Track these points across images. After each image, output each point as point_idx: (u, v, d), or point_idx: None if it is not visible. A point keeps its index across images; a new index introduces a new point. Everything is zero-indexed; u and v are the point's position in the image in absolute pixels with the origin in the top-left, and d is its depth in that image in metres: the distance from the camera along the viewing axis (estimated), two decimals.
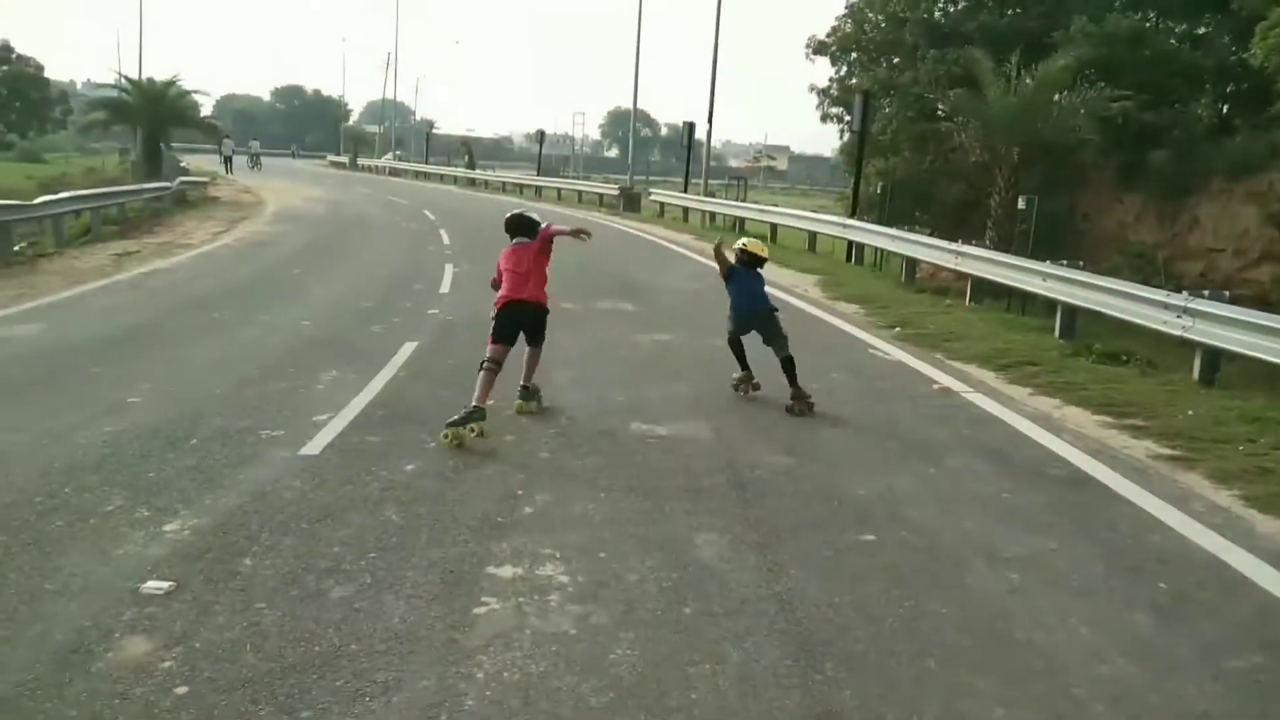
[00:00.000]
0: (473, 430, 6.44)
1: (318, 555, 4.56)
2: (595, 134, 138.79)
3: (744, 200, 33.25)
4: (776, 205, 28.48)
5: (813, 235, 20.91)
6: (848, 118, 37.89)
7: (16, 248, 16.17)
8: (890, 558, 4.86)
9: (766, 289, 8.67)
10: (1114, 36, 20.60)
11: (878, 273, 17.97)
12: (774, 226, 22.84)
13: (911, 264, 16.06)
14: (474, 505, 5.30)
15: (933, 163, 25.95)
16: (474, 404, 6.55)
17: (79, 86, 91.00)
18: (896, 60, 36.31)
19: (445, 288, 13.51)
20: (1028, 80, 16.14)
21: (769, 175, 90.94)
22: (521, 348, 7.39)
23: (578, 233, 7.73)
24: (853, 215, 20.60)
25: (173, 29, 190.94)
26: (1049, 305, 12.64)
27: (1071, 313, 11.41)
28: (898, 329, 11.57)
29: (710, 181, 37.15)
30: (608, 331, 10.67)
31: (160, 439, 6.19)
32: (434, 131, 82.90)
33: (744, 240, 9.11)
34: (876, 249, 18.19)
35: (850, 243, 19.29)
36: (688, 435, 6.84)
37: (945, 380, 8.93)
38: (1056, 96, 16.70)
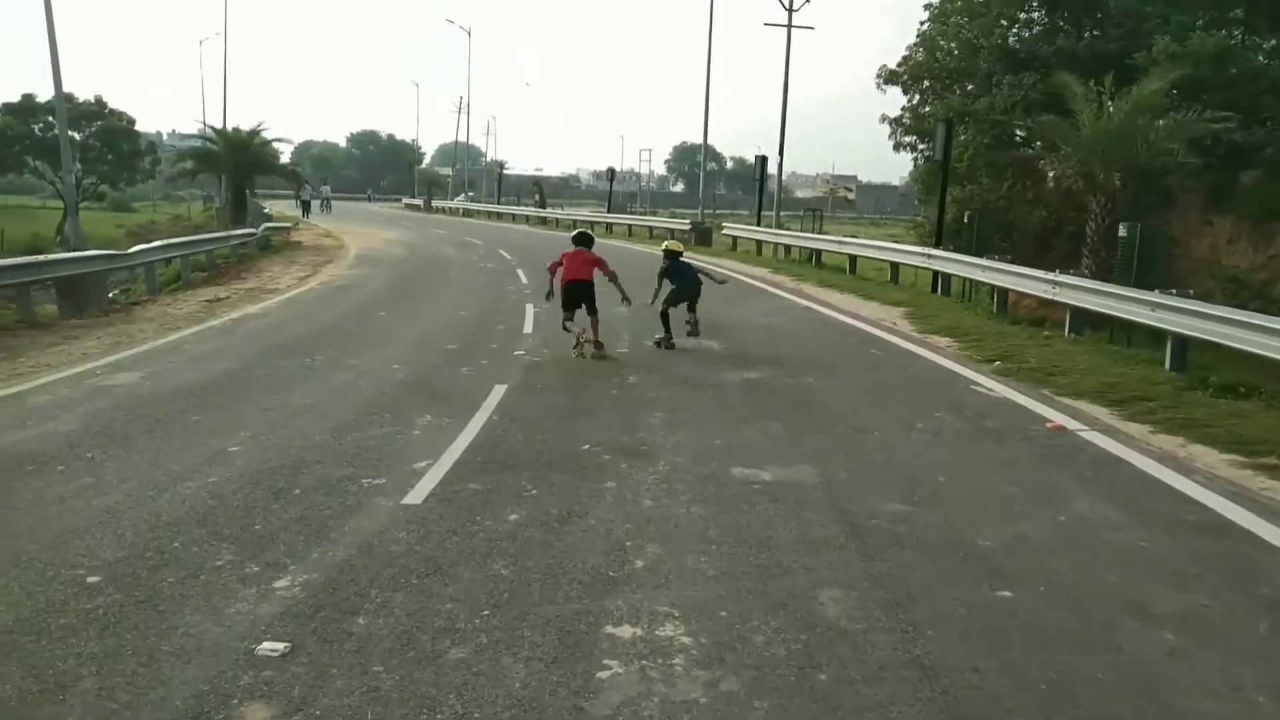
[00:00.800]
0: (581, 353, 10.99)
1: (431, 613, 4.42)
2: (660, 169, 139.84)
3: (820, 232, 32.90)
4: (856, 236, 28.04)
5: (895, 266, 20.48)
6: (921, 146, 37.59)
7: (111, 295, 16.71)
8: (1032, 616, 4.53)
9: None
10: (1200, 55, 19.89)
11: (967, 304, 17.48)
12: (853, 258, 22.46)
13: (1003, 294, 15.55)
14: (583, 558, 5.12)
15: (1011, 189, 25.35)
16: (577, 340, 11.08)
17: (165, 137, 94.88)
18: (970, 87, 35.81)
19: (528, 328, 13.49)
20: (1123, 104, 15.59)
21: (837, 205, 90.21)
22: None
23: (614, 278, 11.35)
24: (937, 245, 20.12)
25: (252, 78, 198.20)
26: (1153, 335, 12.08)
27: (1183, 344, 10.86)
28: (997, 363, 11.15)
29: (780, 213, 36.91)
30: (694, 370, 10.47)
31: (264, 489, 6.16)
32: (505, 172, 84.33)
33: (666, 243, 13.14)
34: (964, 279, 17.70)
35: (935, 273, 18.83)
36: (793, 481, 6.57)
37: (1058, 418, 8.51)
38: (1153, 120, 16.10)
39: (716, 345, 12.18)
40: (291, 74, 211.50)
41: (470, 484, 6.36)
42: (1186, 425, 8.30)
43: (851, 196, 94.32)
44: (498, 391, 9.16)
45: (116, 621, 4.27)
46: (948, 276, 18.36)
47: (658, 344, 11.61)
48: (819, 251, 25.03)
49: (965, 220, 20.10)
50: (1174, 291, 11.25)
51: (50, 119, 50.44)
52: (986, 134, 31.54)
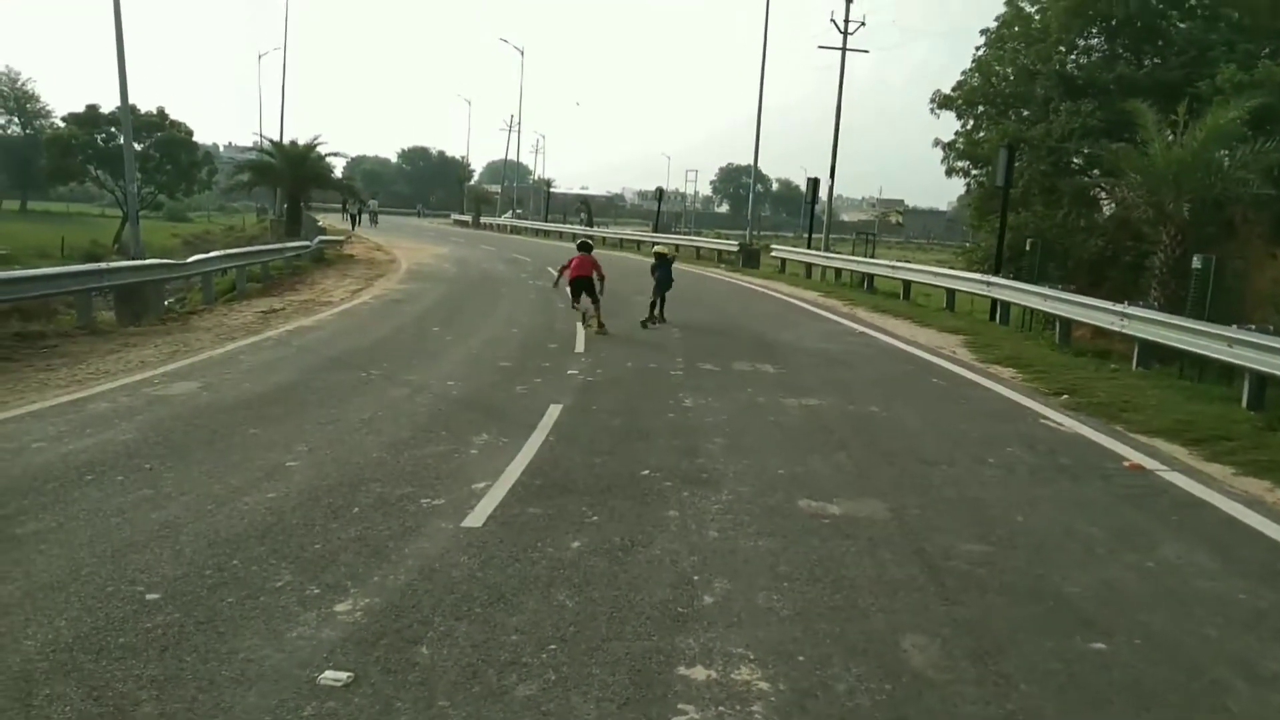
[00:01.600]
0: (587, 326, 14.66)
1: (496, 645, 4.26)
2: (706, 189, 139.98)
3: (873, 255, 32.54)
4: (908, 261, 27.64)
5: (951, 293, 20.10)
6: (975, 171, 37.11)
7: (168, 303, 16.91)
8: (1131, 672, 4.25)
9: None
10: (1270, 84, 19.33)
11: (1028, 333, 17.07)
12: (907, 283, 22.10)
13: (1065, 324, 15.13)
14: (650, 591, 4.93)
15: (1067, 217, 24.85)
16: (583, 317, 14.81)
17: (222, 149, 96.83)
18: (1026, 113, 35.33)
19: (580, 347, 13.37)
20: (1196, 132, 15.15)
21: (883, 229, 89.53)
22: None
23: (601, 279, 15.03)
24: (996, 272, 19.72)
25: (309, 93, 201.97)
26: (1226, 370, 11.65)
27: (1261, 381, 10.43)
28: (1065, 396, 10.79)
29: (829, 236, 36.60)
30: (752, 395, 10.25)
31: (322, 506, 6.06)
32: (552, 190, 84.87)
33: (656, 247, 17.16)
34: (1023, 308, 17.30)
35: (994, 301, 18.43)
36: (864, 515, 6.33)
37: (1134, 456, 8.16)
38: (1227, 149, 15.62)
39: (772, 369, 11.95)
40: (347, 89, 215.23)
41: (530, 507, 6.21)
42: (1271, 468, 7.91)
43: (902, 221, 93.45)
44: (553, 411, 9.03)
45: (176, 643, 4.17)
46: (1007, 305, 17.95)
47: (643, 324, 15.56)
48: (871, 276, 24.66)
49: (1027, 248, 19.66)
50: (1253, 327, 10.81)
51: (113, 129, 51.73)
52: (1043, 160, 31.05)
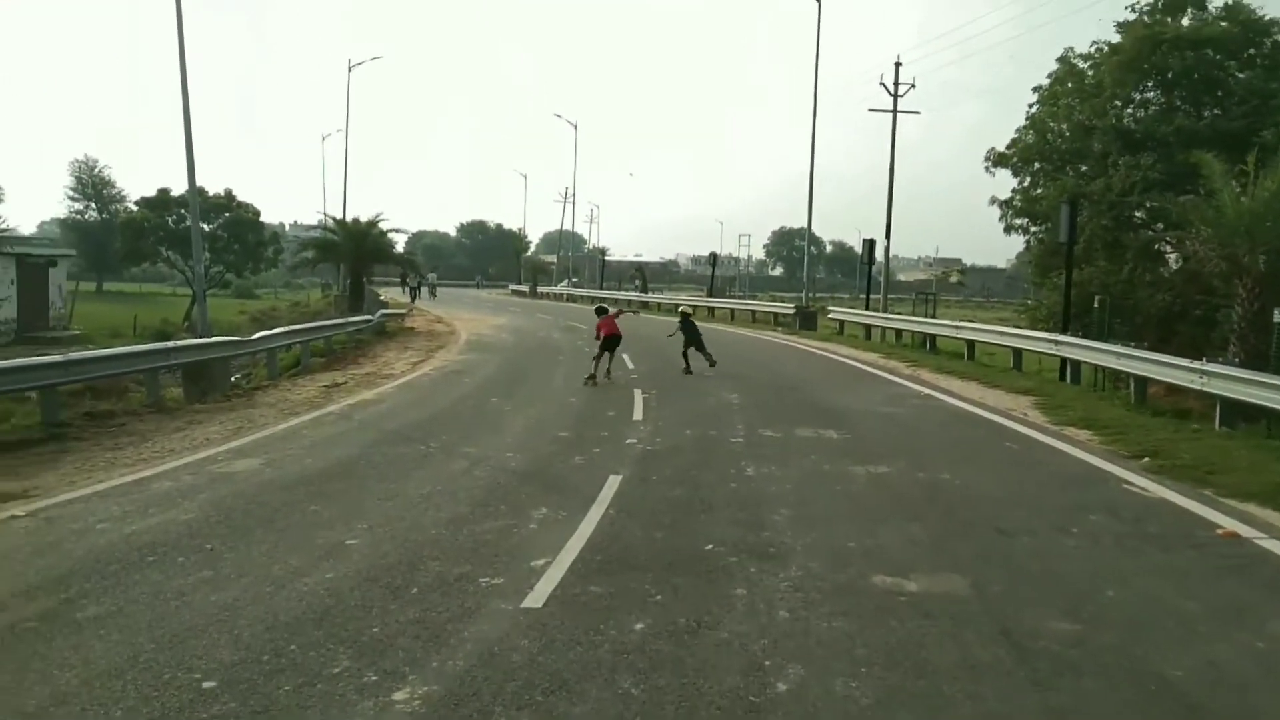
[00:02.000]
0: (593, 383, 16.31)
1: None
2: (759, 253, 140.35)
3: (933, 315, 32.06)
4: (972, 320, 27.14)
5: (1017, 352, 19.59)
6: (1034, 228, 36.60)
7: (234, 379, 17.22)
8: None
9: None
10: None
11: (1101, 392, 16.50)
12: (971, 343, 21.63)
13: (1141, 383, 14.59)
14: (719, 677, 4.68)
15: (1132, 272, 24.27)
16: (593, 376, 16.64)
17: (287, 228, 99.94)
18: (1085, 168, 34.88)
19: (638, 414, 13.22)
20: (1268, 182, 14.68)
21: (941, 288, 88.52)
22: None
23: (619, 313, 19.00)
24: (1064, 330, 19.21)
25: (368, 170, 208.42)
26: None
27: None
28: (1147, 459, 10.30)
29: (878, 297, 36.25)
30: (817, 463, 9.96)
31: (381, 587, 5.94)
32: (606, 259, 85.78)
33: (681, 307, 20.52)
34: (1095, 366, 16.76)
35: (1063, 360, 17.90)
36: (943, 592, 6.01)
37: (1228, 523, 7.70)
38: None
39: (836, 435, 11.65)
40: (407, 167, 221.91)
41: (591, 586, 6.02)
42: None
43: (964, 279, 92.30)
44: (612, 482, 8.86)
45: None
46: (1077, 364, 17.41)
47: (684, 371, 18.41)
48: (933, 336, 24.22)
49: (1096, 305, 19.14)
50: None
51: (182, 211, 53.65)
52: (1104, 215, 30.50)
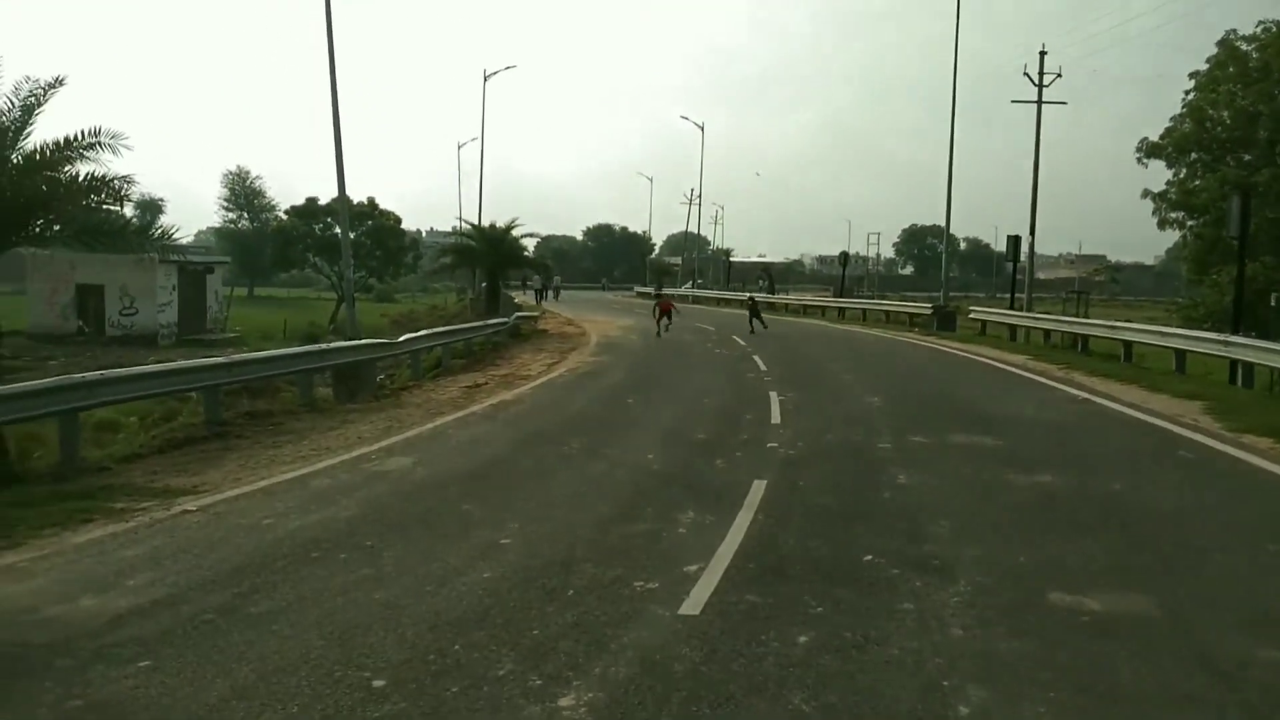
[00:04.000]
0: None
1: None
2: (888, 251, 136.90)
3: (1085, 315, 30.46)
4: (1129, 320, 25.64)
5: (1180, 354, 18.34)
6: (1191, 222, 34.36)
7: (379, 379, 17.81)
8: None
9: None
10: None
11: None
12: (1127, 344, 20.39)
13: None
14: (894, 697, 4.44)
15: None
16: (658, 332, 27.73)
17: (424, 234, 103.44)
18: (1248, 157, 32.53)
19: (775, 418, 12.95)
20: None
21: (1085, 286, 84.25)
22: None
23: (675, 312, 29.80)
24: (1235, 330, 17.89)
25: (499, 177, 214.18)
26: None
27: None
28: None
29: (1022, 296, 34.68)
30: (974, 471, 9.50)
31: (537, 588, 5.93)
32: (731, 259, 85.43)
33: (751, 295, 38.72)
34: (1271, 369, 15.51)
35: (1233, 362, 16.65)
36: (1129, 613, 5.57)
37: None
38: None
39: (991, 441, 11.10)
40: (536, 173, 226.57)
41: (748, 595, 5.84)
42: None
43: (1114, 277, 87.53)
44: (757, 488, 8.65)
45: None
46: (1250, 365, 16.15)
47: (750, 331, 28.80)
48: (1085, 337, 22.96)
49: (1274, 303, 17.76)
50: None
51: (329, 219, 56.24)
52: (1272, 207, 28.34)
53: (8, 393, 9.62)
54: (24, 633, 5.18)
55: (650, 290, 74.54)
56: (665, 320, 28.35)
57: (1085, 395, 15.49)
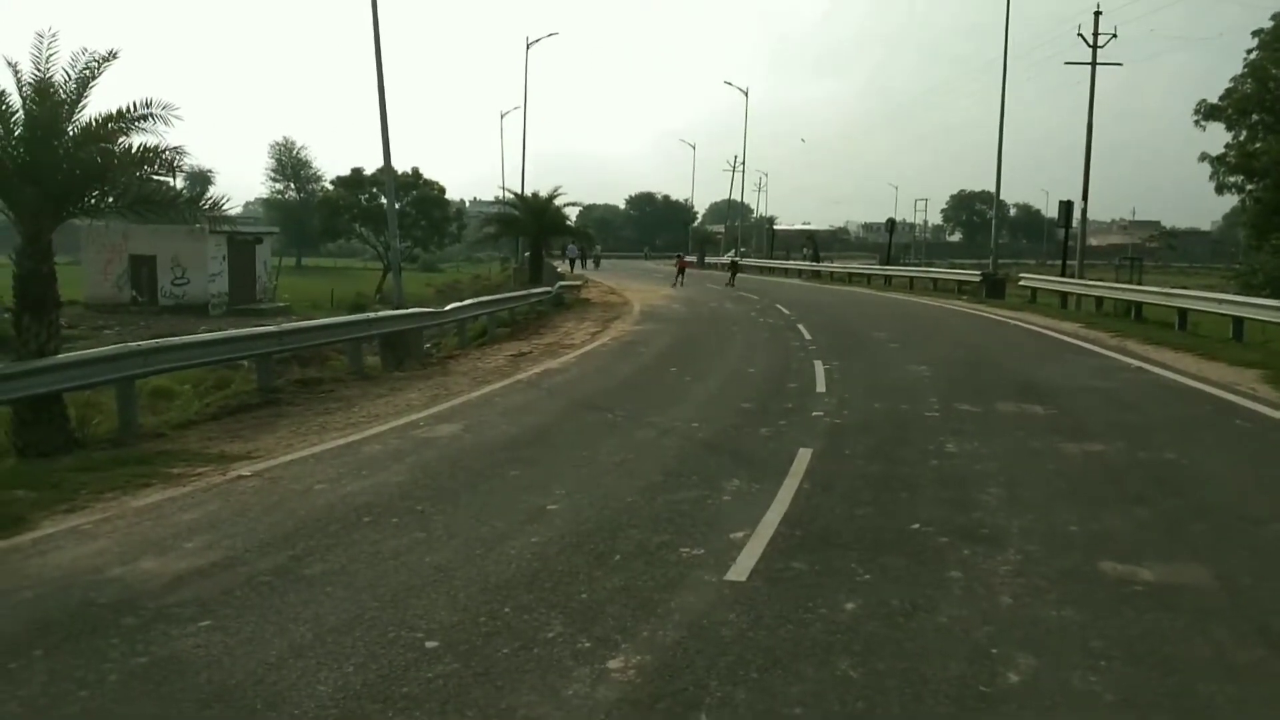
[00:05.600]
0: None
1: (778, 718, 3.92)
2: (935, 218, 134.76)
3: (1139, 282, 29.79)
4: (1184, 288, 25.03)
5: (1239, 321, 17.87)
6: (1250, 186, 33.35)
7: (426, 347, 17.98)
8: None
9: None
10: None
11: None
12: (1182, 311, 19.92)
13: None
14: (942, 664, 4.43)
15: None
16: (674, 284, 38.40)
17: (468, 204, 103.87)
18: None
19: (820, 387, 12.88)
20: None
21: (1140, 253, 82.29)
22: None
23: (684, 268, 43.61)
24: None
25: (540, 146, 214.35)
26: None
27: None
28: None
29: (1074, 263, 33.98)
30: (1024, 439, 9.38)
31: (584, 553, 5.99)
32: (775, 227, 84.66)
33: (732, 258, 54.43)
34: None
35: None
36: (1183, 583, 5.49)
37: None
38: None
39: (1041, 410, 10.95)
40: (577, 141, 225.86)
41: (794, 562, 5.85)
42: None
43: (1170, 243, 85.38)
44: (803, 456, 8.63)
45: (457, 695, 4.13)
46: None
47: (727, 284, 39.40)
48: (1138, 304, 22.47)
49: None
50: None
51: (374, 190, 56.60)
52: None
53: (68, 361, 9.89)
54: (90, 592, 5.35)
55: (693, 259, 74.66)
56: (680, 276, 39.89)
57: (1138, 363, 15.19)
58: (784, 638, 4.74)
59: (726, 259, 68.15)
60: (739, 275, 44.01)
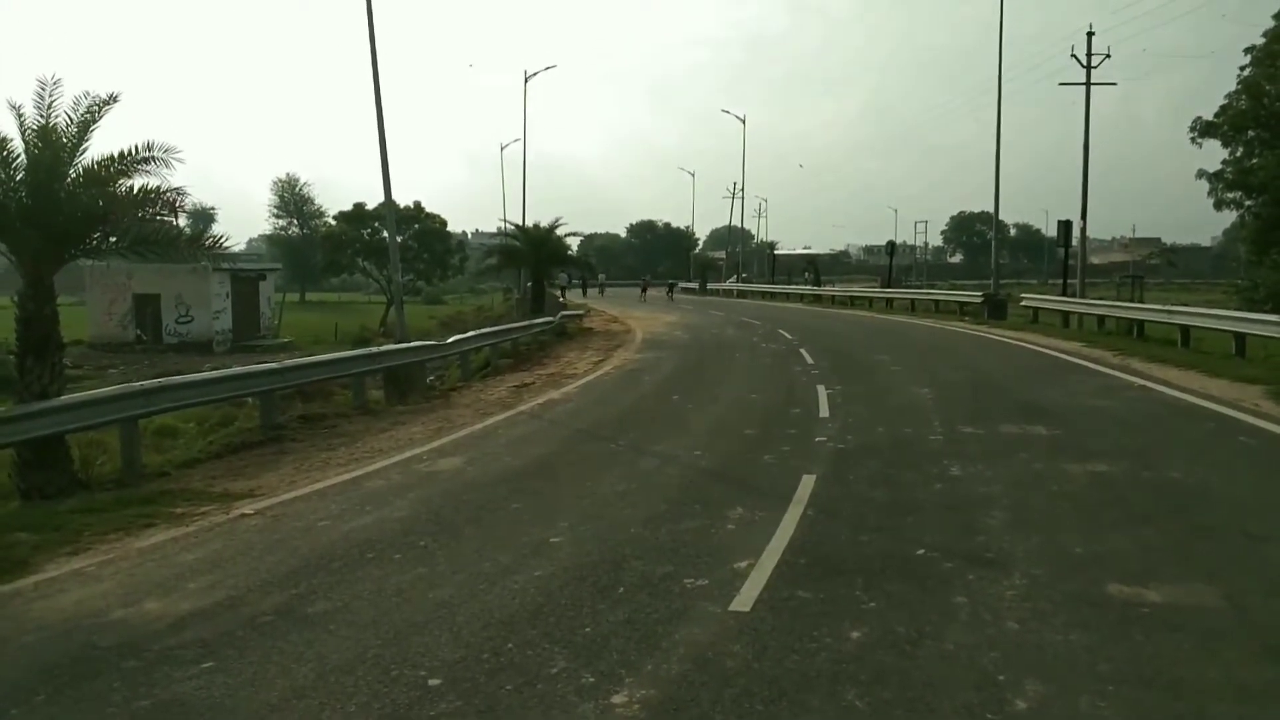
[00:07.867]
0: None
1: None
2: (936, 239, 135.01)
3: (1141, 300, 29.78)
4: (1186, 305, 25.02)
5: (1241, 337, 17.85)
6: (1248, 202, 33.44)
7: (429, 380, 18.01)
8: None
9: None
10: None
11: None
12: (1185, 329, 19.90)
13: None
14: (950, 692, 4.39)
15: None
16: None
17: (469, 236, 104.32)
18: None
19: (824, 411, 12.87)
20: None
21: (1141, 270, 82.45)
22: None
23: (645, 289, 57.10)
24: None
25: (541, 177, 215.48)
26: None
27: None
28: None
29: (1075, 282, 34.01)
30: (1028, 462, 9.35)
31: (588, 586, 5.96)
32: (775, 252, 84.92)
33: (671, 284, 67.56)
34: None
35: None
36: (1191, 603, 5.45)
37: None
38: None
39: (1045, 431, 10.91)
40: (576, 173, 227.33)
41: (798, 590, 5.82)
42: None
43: (1170, 260, 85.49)
44: (807, 482, 8.61)
45: None
46: None
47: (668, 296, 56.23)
48: (1141, 322, 22.45)
49: None
50: None
51: (377, 224, 56.91)
52: None
53: (70, 402, 9.92)
54: (92, 636, 5.34)
55: (694, 285, 74.93)
56: (643, 294, 51.35)
57: (1141, 381, 15.15)
58: (789, 668, 4.71)
59: (727, 285, 69.77)
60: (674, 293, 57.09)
